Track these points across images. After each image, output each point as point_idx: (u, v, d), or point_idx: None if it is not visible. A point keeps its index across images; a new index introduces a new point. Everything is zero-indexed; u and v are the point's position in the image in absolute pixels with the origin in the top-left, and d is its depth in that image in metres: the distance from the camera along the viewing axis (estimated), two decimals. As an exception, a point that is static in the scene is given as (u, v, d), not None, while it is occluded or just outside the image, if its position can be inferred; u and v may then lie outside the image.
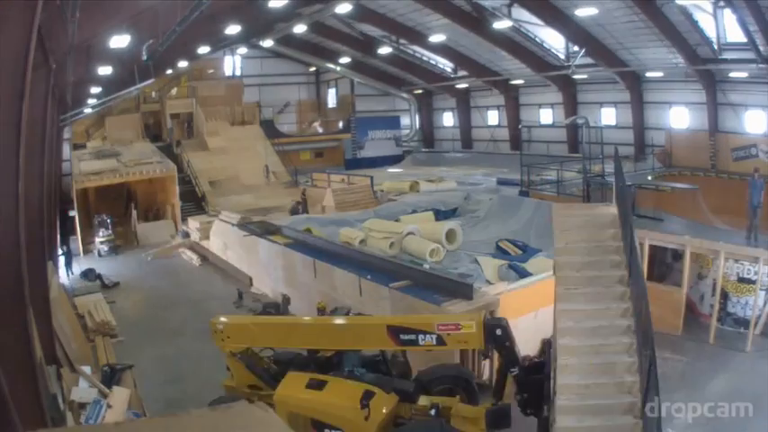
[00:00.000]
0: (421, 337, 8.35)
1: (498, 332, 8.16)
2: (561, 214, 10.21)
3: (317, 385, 8.62)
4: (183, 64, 30.82)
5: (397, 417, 8.55)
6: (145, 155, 28.72)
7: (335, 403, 8.37)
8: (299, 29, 26.92)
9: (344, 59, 37.34)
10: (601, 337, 7.73)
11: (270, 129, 36.52)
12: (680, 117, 26.37)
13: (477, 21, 25.70)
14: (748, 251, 13.39)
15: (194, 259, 22.68)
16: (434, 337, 8.29)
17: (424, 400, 8.72)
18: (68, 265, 21.19)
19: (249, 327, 9.67)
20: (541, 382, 7.87)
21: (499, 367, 8.63)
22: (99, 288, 19.14)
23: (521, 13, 24.54)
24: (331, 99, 43.91)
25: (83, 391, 10.15)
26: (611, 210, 10.17)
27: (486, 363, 10.04)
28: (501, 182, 25.53)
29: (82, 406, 9.84)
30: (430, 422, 8.24)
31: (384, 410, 8.26)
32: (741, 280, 13.66)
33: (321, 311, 10.24)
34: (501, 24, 23.84)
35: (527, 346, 12.84)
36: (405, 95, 41.03)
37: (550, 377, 7.70)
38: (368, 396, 8.26)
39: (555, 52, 28.31)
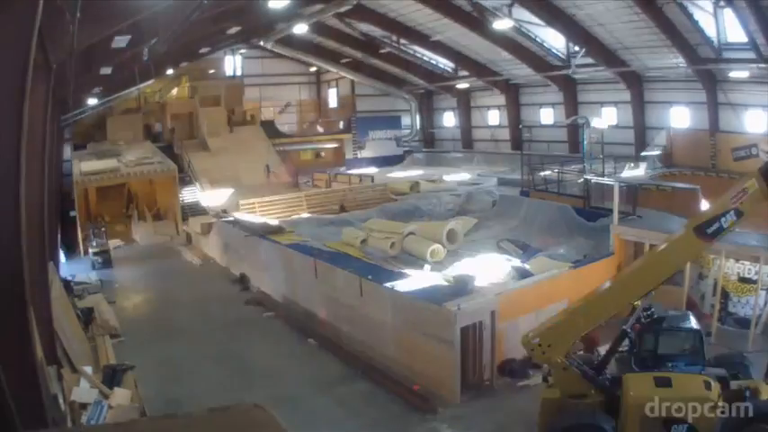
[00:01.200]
0: (723, 220, 8.50)
1: None
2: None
3: (666, 382, 8.34)
4: (183, 64, 30.81)
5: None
6: (145, 155, 28.75)
7: (687, 397, 8.14)
8: (300, 29, 26.91)
9: (345, 59, 37.33)
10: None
11: (270, 129, 36.50)
12: (680, 117, 26.35)
13: (477, 21, 25.64)
14: (748, 251, 13.38)
15: (194, 260, 22.69)
16: (733, 212, 8.46)
17: (734, 385, 8.68)
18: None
19: (569, 319, 8.99)
20: None
21: None
22: (99, 288, 19.16)
23: (521, 13, 24.48)
24: (332, 99, 43.87)
25: (83, 391, 10.16)
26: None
27: None
28: (501, 182, 25.51)
29: (83, 406, 9.85)
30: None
31: (721, 398, 8.24)
32: (742, 280, 13.66)
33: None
34: (501, 24, 23.80)
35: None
36: (405, 95, 40.93)
37: None
38: (707, 386, 8.23)
39: (555, 52, 28.27)
